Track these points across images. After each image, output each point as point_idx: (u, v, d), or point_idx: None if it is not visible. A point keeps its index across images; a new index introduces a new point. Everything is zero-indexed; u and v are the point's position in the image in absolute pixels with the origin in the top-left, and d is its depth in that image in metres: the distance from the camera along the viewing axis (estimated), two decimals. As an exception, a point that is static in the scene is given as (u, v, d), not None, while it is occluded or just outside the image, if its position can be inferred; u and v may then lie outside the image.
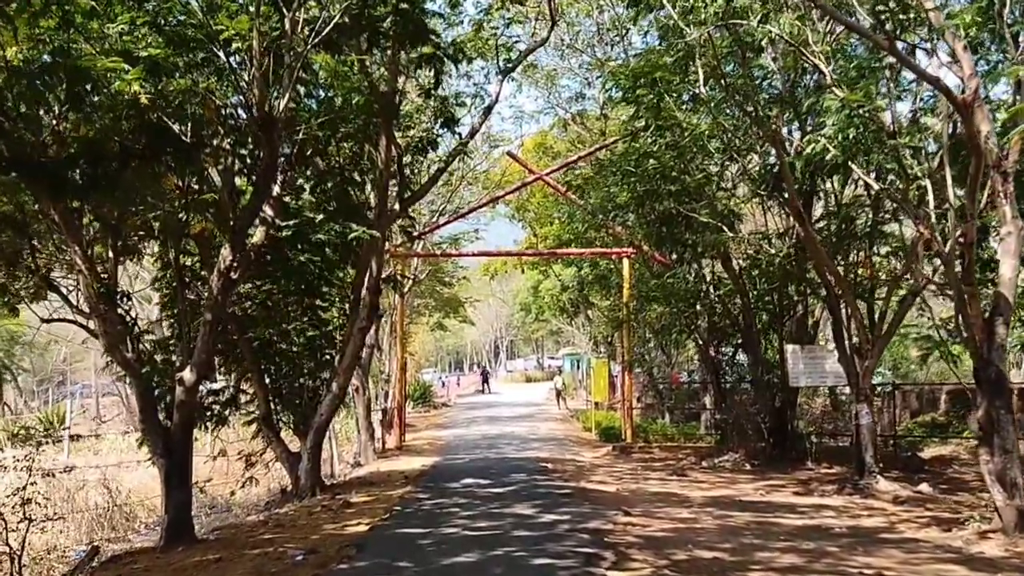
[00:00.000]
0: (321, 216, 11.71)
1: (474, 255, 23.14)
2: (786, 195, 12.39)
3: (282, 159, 9.59)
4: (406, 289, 20.26)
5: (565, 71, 20.96)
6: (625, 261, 18.49)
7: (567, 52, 20.47)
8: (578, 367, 45.30)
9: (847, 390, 18.74)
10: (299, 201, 12.69)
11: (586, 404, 29.25)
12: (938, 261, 11.94)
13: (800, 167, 10.61)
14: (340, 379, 12.15)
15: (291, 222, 11.04)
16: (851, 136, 8.92)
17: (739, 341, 17.08)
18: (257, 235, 8.65)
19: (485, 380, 48.97)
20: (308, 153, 12.27)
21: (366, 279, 12.17)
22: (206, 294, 8.51)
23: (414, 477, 13.67)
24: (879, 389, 18.74)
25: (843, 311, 12.92)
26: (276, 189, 9.06)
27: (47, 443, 20.16)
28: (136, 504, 14.36)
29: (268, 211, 8.82)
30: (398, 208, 12.56)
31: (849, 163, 9.65)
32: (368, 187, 13.21)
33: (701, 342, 18.12)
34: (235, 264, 8.27)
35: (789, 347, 15.45)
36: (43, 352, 44.69)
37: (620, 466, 15.66)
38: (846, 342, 12.88)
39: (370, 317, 12.09)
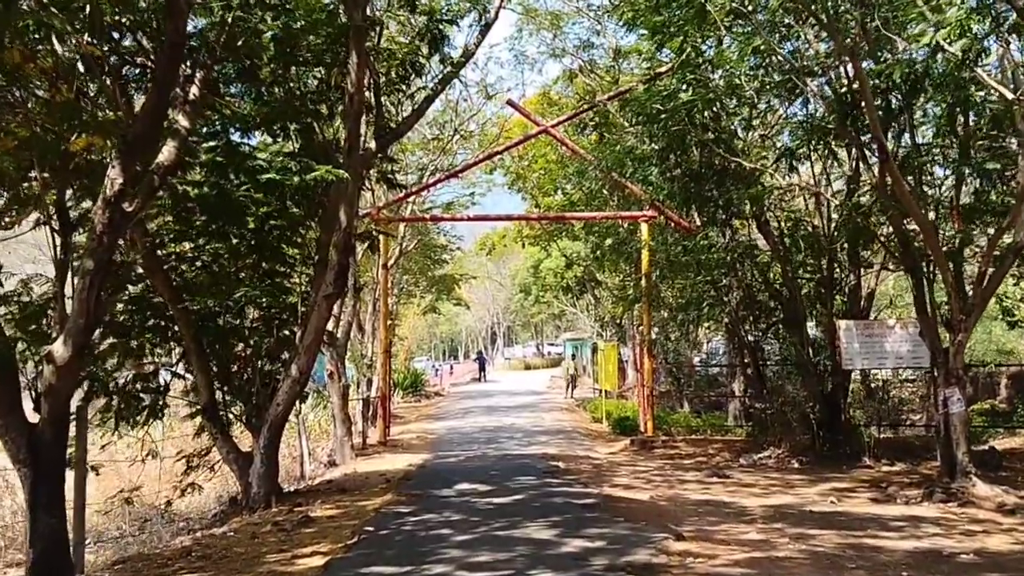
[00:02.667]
0: (274, 148, 9.16)
1: (471, 219, 20.48)
2: (859, 125, 9.92)
3: (195, 40, 6.99)
4: (391, 261, 17.72)
5: (572, 14, 18.32)
6: (643, 226, 15.96)
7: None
8: (579, 352, 42.92)
9: (880, 375, 16.52)
10: (249, 136, 10.16)
11: (593, 392, 26.80)
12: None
13: (899, 75, 8.06)
14: (301, 360, 9.63)
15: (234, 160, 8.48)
16: (976, 27, 6.43)
17: (779, 317, 14.60)
18: (165, 152, 6.11)
19: (482, 368, 46.54)
20: (262, 84, 9.78)
21: (334, 235, 9.64)
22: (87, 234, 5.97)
23: (397, 481, 11.19)
24: (924, 373, 16.41)
25: (926, 274, 10.51)
26: (194, 90, 6.49)
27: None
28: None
29: (182, 120, 6.28)
30: (374, 147, 10.00)
31: (972, 67, 7.16)
32: (339, 123, 10.63)
33: (732, 319, 15.67)
34: (126, 189, 5.72)
35: (842, 323, 13.07)
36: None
37: (643, 464, 13.22)
38: (929, 312, 10.47)
39: (338, 282, 9.56)
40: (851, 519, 8.39)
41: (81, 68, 7.06)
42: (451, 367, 51.99)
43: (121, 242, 9.36)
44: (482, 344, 74.34)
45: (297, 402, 15.83)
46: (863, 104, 10.05)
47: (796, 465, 12.78)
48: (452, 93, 17.69)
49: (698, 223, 15.10)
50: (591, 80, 17.69)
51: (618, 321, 24.53)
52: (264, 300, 10.27)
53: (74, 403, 9.82)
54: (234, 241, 10.34)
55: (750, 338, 15.26)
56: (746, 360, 18.18)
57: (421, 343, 53.28)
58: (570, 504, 8.72)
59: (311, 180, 8.65)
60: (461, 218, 19.98)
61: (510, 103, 15.93)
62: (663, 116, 11.33)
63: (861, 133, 10.09)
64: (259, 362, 10.37)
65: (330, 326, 14.32)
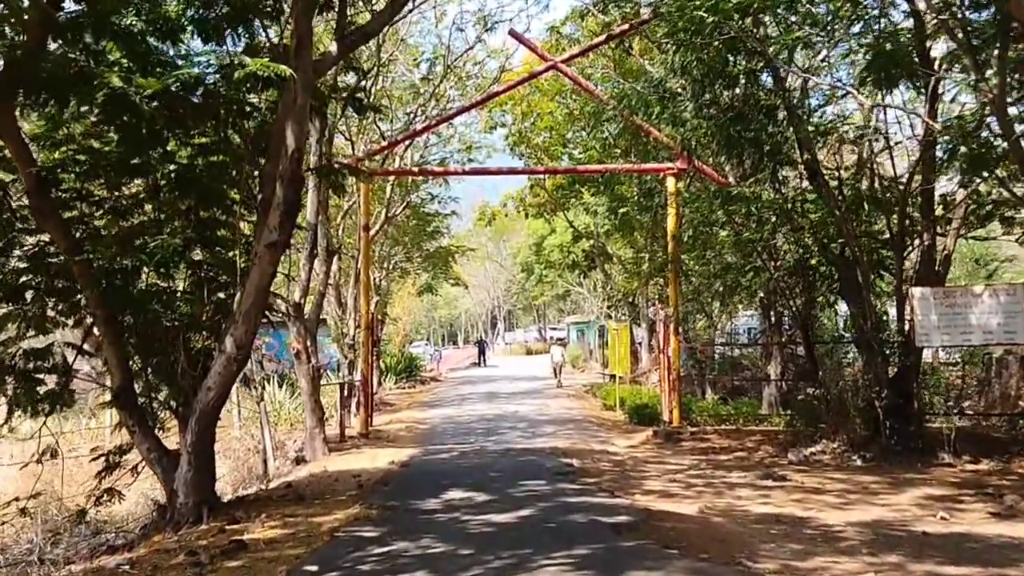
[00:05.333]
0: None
1: (466, 173, 17.90)
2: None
3: None
4: (374, 226, 15.32)
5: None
6: (670, 180, 13.55)
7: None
8: (584, 336, 40.65)
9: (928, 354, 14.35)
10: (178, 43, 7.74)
11: (603, 377, 24.51)
12: None
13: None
14: (238, 330, 7.28)
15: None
16: None
17: (833, 286, 12.25)
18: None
19: (481, 352, 44.23)
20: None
21: (280, 164, 7.27)
22: None
23: (371, 485, 8.88)
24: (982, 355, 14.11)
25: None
26: None
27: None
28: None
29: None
30: (335, 51, 7.60)
31: None
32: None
33: (772, 289, 13.34)
34: None
35: (916, 291, 10.82)
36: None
37: (674, 461, 10.92)
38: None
39: (285, 225, 7.19)
40: (986, 546, 6.12)
41: None
42: (440, 353, 48.71)
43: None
44: (482, 329, 71.89)
45: (266, 387, 13.55)
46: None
47: (859, 462, 10.55)
48: (445, 22, 15.20)
49: (731, 178, 12.80)
50: (603, 15, 15.16)
51: (631, 299, 22.13)
52: (196, 255, 7.93)
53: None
54: (162, 182, 8.02)
55: (798, 311, 12.89)
56: (784, 339, 15.94)
57: (419, 327, 50.70)
58: (597, 524, 6.38)
59: (242, 79, 6.26)
60: (456, 171, 17.43)
61: (512, 34, 13.46)
62: (709, 23, 8.90)
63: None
64: (189, 334, 8.01)
65: (296, 296, 12.01)
